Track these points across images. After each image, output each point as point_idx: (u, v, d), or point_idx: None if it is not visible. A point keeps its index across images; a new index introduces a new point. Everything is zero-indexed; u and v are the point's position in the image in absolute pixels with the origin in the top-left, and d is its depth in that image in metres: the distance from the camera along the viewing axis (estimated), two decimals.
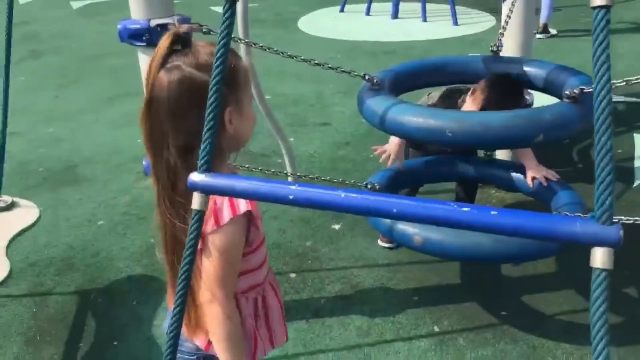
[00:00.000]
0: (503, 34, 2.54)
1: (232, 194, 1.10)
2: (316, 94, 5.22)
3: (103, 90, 5.55)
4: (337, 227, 3.15)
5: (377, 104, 2.07)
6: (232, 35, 1.05)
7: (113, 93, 5.46)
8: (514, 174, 2.54)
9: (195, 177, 1.06)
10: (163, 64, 1.20)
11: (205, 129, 1.05)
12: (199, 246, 1.17)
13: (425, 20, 7.48)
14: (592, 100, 1.83)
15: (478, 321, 2.45)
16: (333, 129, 4.44)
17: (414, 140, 2.20)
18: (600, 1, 0.88)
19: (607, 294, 0.88)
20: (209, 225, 1.21)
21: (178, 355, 1.31)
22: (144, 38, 1.95)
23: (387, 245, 2.91)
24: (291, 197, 1.01)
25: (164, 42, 1.22)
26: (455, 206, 0.92)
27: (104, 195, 3.59)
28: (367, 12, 8.00)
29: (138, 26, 1.95)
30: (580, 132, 1.96)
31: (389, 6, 7.85)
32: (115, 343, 2.41)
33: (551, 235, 0.88)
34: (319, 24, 7.75)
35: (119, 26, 2.01)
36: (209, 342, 1.35)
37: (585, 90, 1.89)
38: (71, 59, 6.68)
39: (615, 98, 4.69)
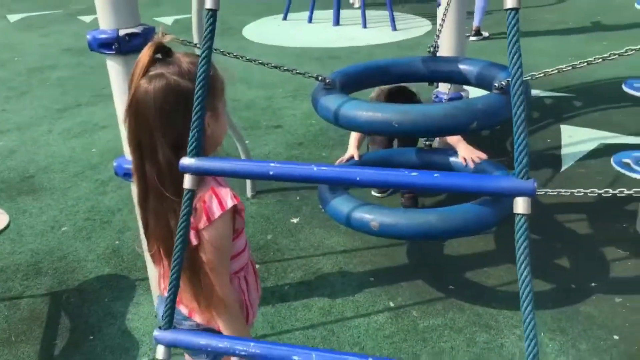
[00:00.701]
0: (439, 36, 2.81)
1: (221, 173, 1.29)
2: (266, 98, 5.42)
3: (52, 102, 5.56)
4: (295, 220, 3.36)
5: (330, 101, 2.29)
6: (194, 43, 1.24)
7: (63, 104, 5.49)
8: (452, 160, 2.81)
9: (186, 160, 1.25)
10: (146, 71, 1.31)
11: (193, 117, 1.23)
12: (196, 242, 1.36)
13: (365, 27, 7.79)
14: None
15: (428, 295, 2.71)
16: (285, 130, 4.64)
17: (365, 132, 2.42)
18: (511, 4, 1.13)
19: (527, 234, 1.12)
20: (201, 223, 1.35)
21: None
22: (113, 47, 2.10)
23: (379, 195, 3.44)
24: (271, 172, 1.21)
25: (147, 51, 1.31)
26: (406, 172, 1.15)
27: (64, 203, 3.67)
28: (310, 20, 8.26)
29: (107, 36, 2.09)
30: (507, 119, 2.23)
31: (330, 14, 8.13)
32: (91, 337, 2.53)
33: (482, 189, 1.12)
34: (263, 31, 7.95)
35: (88, 36, 2.14)
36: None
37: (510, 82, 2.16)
38: (15, 72, 6.63)
39: (544, 93, 5.10)
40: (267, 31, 7.97)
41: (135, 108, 1.32)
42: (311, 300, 2.70)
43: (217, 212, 1.36)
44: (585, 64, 2.12)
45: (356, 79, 2.55)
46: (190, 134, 1.26)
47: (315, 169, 1.19)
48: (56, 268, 3.02)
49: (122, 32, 2.10)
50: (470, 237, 3.07)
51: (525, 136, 1.12)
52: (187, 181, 1.26)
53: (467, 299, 2.67)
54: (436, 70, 2.73)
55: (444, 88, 3.46)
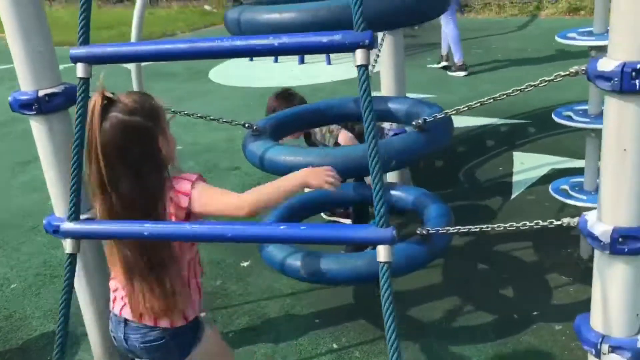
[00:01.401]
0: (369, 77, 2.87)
1: (103, 236, 1.31)
2: (227, 140, 5.45)
3: (13, 155, 5.57)
4: (245, 264, 3.35)
5: (256, 147, 2.33)
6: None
7: (23, 158, 5.49)
8: (392, 193, 2.84)
9: (66, 225, 1.27)
10: (103, 117, 1.52)
11: (71, 179, 1.25)
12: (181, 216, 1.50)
13: (329, 64, 7.92)
14: (436, 128, 2.20)
15: (372, 335, 2.70)
16: (243, 172, 4.66)
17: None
18: (360, 61, 1.17)
19: (390, 281, 1.14)
20: (183, 202, 1.51)
21: (147, 345, 1.71)
22: (33, 107, 2.12)
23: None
24: (146, 233, 1.23)
25: (97, 101, 1.53)
26: (273, 225, 1.17)
27: (16, 259, 3.64)
28: (275, 60, 8.38)
29: (27, 97, 2.12)
30: (427, 155, 2.28)
31: None
32: None
33: (345, 239, 1.14)
34: (229, 73, 8.05)
35: (9, 98, 2.18)
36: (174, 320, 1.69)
37: (427, 120, 2.21)
38: None
39: (500, 120, 5.19)
40: (233, 73, 8.08)
41: (96, 150, 1.50)
42: (255, 347, 2.68)
43: (188, 185, 1.56)
44: (505, 96, 2.15)
45: (285, 124, 2.60)
46: (70, 198, 1.28)
47: (188, 227, 1.21)
48: (1, 327, 2.98)
49: (41, 93, 2.13)
50: (417, 272, 3.06)
51: (382, 186, 1.15)
52: (69, 246, 1.28)
53: (410, 336, 2.66)
54: None
55: (387, 123, 3.52)
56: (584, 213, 1.94)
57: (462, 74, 6.86)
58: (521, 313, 2.73)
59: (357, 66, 1.15)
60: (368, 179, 2.83)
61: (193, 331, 1.77)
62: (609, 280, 1.87)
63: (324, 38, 1.11)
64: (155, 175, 1.57)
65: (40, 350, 2.79)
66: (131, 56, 1.28)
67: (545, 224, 2.08)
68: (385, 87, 3.44)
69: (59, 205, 2.29)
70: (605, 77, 1.65)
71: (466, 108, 2.23)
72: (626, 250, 1.77)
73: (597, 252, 1.90)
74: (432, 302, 2.88)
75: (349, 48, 1.11)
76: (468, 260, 3.19)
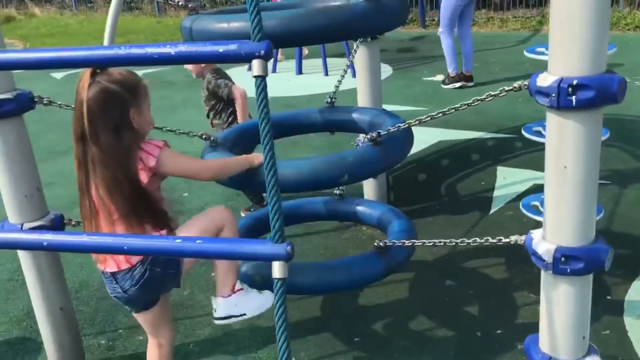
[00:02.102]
0: (338, 87, 2.86)
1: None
2: None
3: None
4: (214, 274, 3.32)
5: (209, 158, 2.31)
6: None
7: None
8: (359, 209, 2.81)
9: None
10: (92, 80, 1.79)
11: None
12: (146, 180, 1.85)
13: (327, 74, 7.91)
14: (392, 142, 2.16)
15: (332, 349, 2.66)
16: None
17: (239, 189, 2.41)
18: (257, 71, 1.15)
19: (284, 298, 1.11)
20: (150, 161, 1.86)
21: (140, 285, 1.85)
22: None
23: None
24: (45, 243, 1.21)
25: (86, 72, 1.80)
26: (172, 239, 1.15)
27: None
28: (274, 70, 8.39)
29: None
30: (382, 170, 2.25)
31: (294, 63, 8.27)
32: None
33: (240, 255, 1.11)
34: None
35: None
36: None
37: (381, 133, 2.18)
38: None
39: (487, 134, 5.14)
40: None
41: (80, 108, 1.81)
42: (213, 358, 2.65)
43: (156, 149, 1.89)
44: (454, 109, 2.12)
45: (245, 135, 2.58)
46: None
47: (86, 238, 1.19)
48: None
49: None
50: (384, 287, 3.03)
51: (277, 200, 1.13)
52: None
53: (371, 351, 2.62)
54: (332, 120, 2.76)
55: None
56: (531, 231, 1.90)
57: (456, 85, 6.81)
58: (484, 331, 2.68)
59: (254, 77, 1.12)
60: None
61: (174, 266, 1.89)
62: (554, 300, 1.83)
63: (220, 47, 1.09)
64: (129, 134, 1.83)
65: (2, 356, 2.77)
66: (23, 63, 1.26)
67: (494, 241, 2.05)
68: (361, 99, 3.42)
69: (12, 212, 2.28)
70: (543, 92, 1.62)
71: (429, 118, 2.20)
72: (568, 270, 1.74)
73: (542, 272, 1.86)
74: (395, 317, 2.84)
75: (245, 58, 1.09)
76: (436, 276, 3.15)
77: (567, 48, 1.57)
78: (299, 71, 8.16)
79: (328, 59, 8.13)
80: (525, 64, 7.75)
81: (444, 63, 8.22)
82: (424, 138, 5.09)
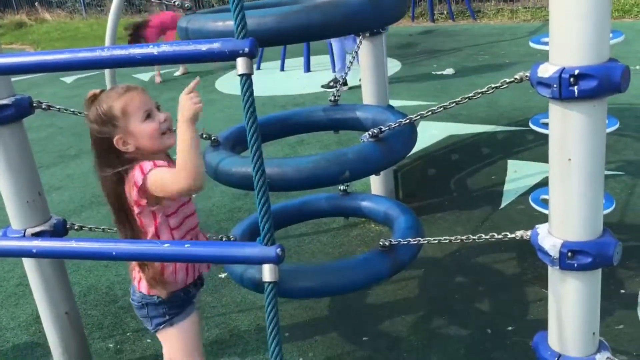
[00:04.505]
0: (341, 84, 2.82)
1: None
2: None
3: None
4: (223, 275, 3.31)
5: (212, 158, 2.29)
6: None
7: None
8: (364, 204, 2.77)
9: None
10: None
11: None
12: (138, 210, 1.69)
13: (335, 71, 7.86)
14: (394, 138, 2.12)
15: (340, 349, 2.63)
16: None
17: (240, 188, 2.39)
18: (242, 70, 1.12)
19: (275, 302, 1.08)
20: (139, 181, 1.68)
21: (133, 303, 1.88)
22: None
23: None
24: (34, 250, 1.19)
25: (87, 99, 1.81)
26: (159, 244, 1.12)
27: (0, 268, 3.67)
28: (282, 68, 8.37)
29: None
30: (384, 167, 2.21)
31: (302, 61, 8.24)
32: None
33: (230, 259, 1.08)
34: (235, 83, 8.05)
35: None
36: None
37: (382, 129, 2.14)
38: None
39: (498, 128, 5.07)
40: (238, 82, 8.07)
41: None
42: None
43: (140, 176, 1.70)
44: (454, 103, 2.08)
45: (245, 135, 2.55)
46: None
47: (75, 244, 1.17)
48: None
49: None
50: (394, 285, 3.00)
51: (266, 201, 1.10)
52: None
53: (380, 350, 2.58)
54: (336, 119, 2.72)
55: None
56: (537, 226, 1.86)
57: (344, 88, 6.67)
58: (495, 328, 2.63)
59: (239, 75, 1.09)
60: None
61: (165, 308, 1.86)
62: (562, 297, 1.78)
63: (203, 46, 1.07)
64: (115, 165, 1.75)
65: None
66: (7, 68, 1.24)
67: (499, 237, 2.00)
68: (366, 95, 3.38)
69: (14, 218, 2.28)
70: (544, 83, 1.57)
71: (430, 113, 2.16)
72: (576, 265, 1.69)
73: (549, 268, 1.81)
74: (405, 315, 2.80)
75: (229, 57, 1.07)
76: (446, 273, 3.10)
77: (567, 37, 1.52)
78: (307, 69, 8.13)
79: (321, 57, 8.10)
80: (536, 55, 7.63)
81: (454, 57, 8.17)
82: (434, 132, 5.03)
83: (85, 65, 1.20)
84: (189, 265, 1.81)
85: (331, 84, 7.16)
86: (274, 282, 1.06)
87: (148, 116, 1.77)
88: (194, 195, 1.97)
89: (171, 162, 1.84)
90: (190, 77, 8.60)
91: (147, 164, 1.71)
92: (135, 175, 1.71)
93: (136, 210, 1.72)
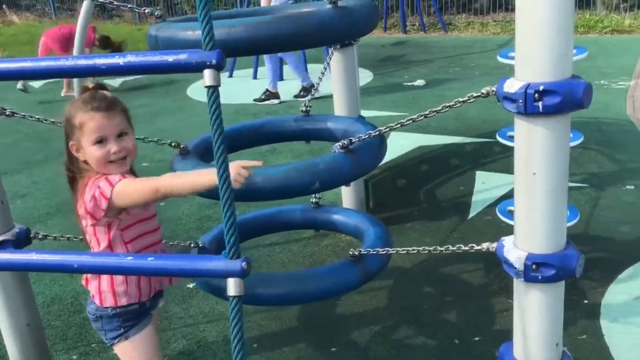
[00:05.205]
0: (313, 94, 2.83)
1: None
2: None
3: None
4: (191, 285, 3.27)
5: (181, 167, 2.27)
6: None
7: None
8: (336, 217, 2.78)
9: None
10: None
11: None
12: (92, 222, 1.71)
13: (303, 82, 7.88)
14: (364, 149, 2.12)
15: None
16: None
17: (208, 197, 2.38)
18: (209, 82, 1.11)
19: (240, 316, 1.07)
20: (102, 204, 1.68)
21: (89, 314, 1.89)
22: None
23: None
24: None
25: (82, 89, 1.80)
26: (122, 257, 1.10)
27: None
28: (254, 76, 8.35)
29: None
30: (354, 177, 2.22)
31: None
32: None
33: (194, 272, 1.08)
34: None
35: None
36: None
37: (353, 141, 2.15)
38: None
39: (467, 139, 5.14)
40: None
41: None
42: None
43: (108, 188, 1.70)
44: (423, 116, 2.10)
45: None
46: None
47: (35, 256, 1.15)
48: None
49: None
50: (363, 295, 3.00)
51: (232, 214, 1.09)
52: None
53: None
54: (307, 129, 2.73)
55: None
56: (502, 238, 1.89)
57: (275, 101, 7.06)
58: (462, 338, 2.66)
59: (206, 87, 1.09)
60: None
61: (119, 321, 1.83)
62: (527, 308, 1.81)
63: (170, 57, 1.06)
64: (70, 168, 1.81)
65: None
66: None
67: (466, 248, 2.03)
68: (337, 105, 3.39)
69: None
70: (510, 98, 1.60)
71: (399, 125, 2.18)
72: (540, 277, 1.72)
73: (515, 280, 1.84)
74: (374, 326, 2.80)
75: (196, 68, 1.06)
76: (415, 283, 3.12)
77: (532, 54, 1.55)
78: (280, 77, 8.13)
79: (309, 65, 8.12)
80: (505, 68, 7.78)
81: (425, 68, 8.28)
82: (404, 143, 5.08)
83: (49, 75, 1.18)
84: (145, 279, 1.77)
85: (302, 93, 7.19)
86: (239, 296, 1.05)
87: (100, 141, 1.74)
88: (161, 203, 1.95)
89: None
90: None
91: (107, 187, 1.69)
92: (102, 186, 1.69)
93: (90, 222, 1.72)
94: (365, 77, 8.04)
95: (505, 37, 9.97)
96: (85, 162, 1.77)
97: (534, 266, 1.70)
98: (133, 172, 1.89)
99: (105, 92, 1.78)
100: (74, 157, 1.79)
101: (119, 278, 1.71)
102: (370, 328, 2.79)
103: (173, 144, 2.35)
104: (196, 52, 1.03)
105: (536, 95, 1.54)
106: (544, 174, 1.63)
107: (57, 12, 16.35)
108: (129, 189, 1.68)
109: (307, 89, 7.05)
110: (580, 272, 1.73)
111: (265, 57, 7.23)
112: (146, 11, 2.21)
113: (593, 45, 8.35)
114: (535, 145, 1.62)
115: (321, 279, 2.24)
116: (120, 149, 1.74)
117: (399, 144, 5.04)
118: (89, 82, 1.78)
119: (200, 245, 2.50)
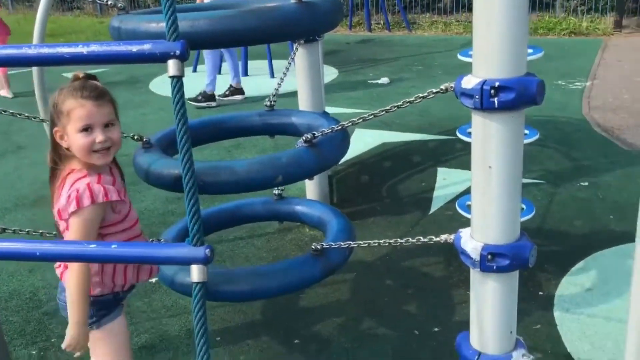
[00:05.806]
0: (277, 91, 2.85)
1: None
2: None
3: None
4: (154, 280, 3.25)
5: (143, 161, 2.27)
6: None
7: None
8: (298, 208, 2.81)
9: None
10: None
11: None
12: (64, 227, 1.67)
13: (273, 77, 7.89)
14: (327, 144, 2.14)
15: (272, 352, 2.64)
16: None
17: (172, 190, 2.38)
18: (173, 73, 1.13)
19: (203, 302, 1.09)
20: (71, 207, 1.63)
21: (60, 303, 1.88)
22: None
23: None
24: None
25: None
26: (85, 244, 1.11)
27: None
28: (219, 72, 8.30)
29: None
30: (317, 171, 2.25)
31: (239, 65, 8.20)
32: None
33: (156, 260, 1.09)
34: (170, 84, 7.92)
35: None
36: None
37: (316, 135, 2.18)
38: None
39: (429, 137, 5.23)
40: None
41: None
42: None
43: (87, 201, 1.65)
44: (384, 111, 2.14)
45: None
46: None
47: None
48: None
49: None
50: (325, 288, 3.04)
51: (196, 202, 1.11)
52: None
53: (310, 353, 2.62)
54: (271, 124, 2.75)
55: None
56: (460, 230, 1.94)
57: (212, 104, 6.84)
58: (422, 329, 2.72)
59: (170, 77, 1.10)
60: None
61: (92, 310, 1.80)
62: (482, 297, 1.87)
63: (134, 47, 1.07)
64: (53, 158, 1.82)
65: None
66: None
67: (425, 240, 2.08)
68: (302, 101, 3.42)
69: None
70: (467, 94, 1.66)
71: (361, 120, 2.21)
72: (495, 267, 1.78)
73: (471, 270, 1.90)
74: (336, 318, 2.85)
75: (160, 58, 1.07)
76: (377, 276, 3.18)
77: (489, 52, 1.61)
78: (245, 73, 8.11)
79: (275, 61, 8.12)
80: (467, 67, 7.92)
81: (389, 66, 8.37)
82: (368, 140, 5.14)
83: (11, 63, 1.17)
84: (121, 272, 1.77)
85: (226, 92, 7.04)
86: (202, 282, 1.07)
87: (86, 129, 1.74)
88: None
89: (116, 178, 1.84)
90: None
91: (85, 198, 1.66)
92: (80, 192, 1.67)
93: (61, 226, 1.72)
94: (330, 74, 8.08)
95: (468, 37, 10.13)
96: (68, 149, 1.77)
97: (489, 256, 1.76)
98: (116, 164, 1.90)
99: (95, 82, 1.79)
100: (57, 145, 1.79)
101: (94, 269, 1.70)
102: (333, 320, 2.83)
103: (135, 137, 2.34)
104: (160, 42, 1.05)
105: (492, 91, 1.60)
106: (499, 167, 1.69)
107: (15, 3, 15.92)
108: (85, 229, 1.59)
109: (211, 96, 6.83)
110: (533, 262, 1.80)
111: (205, 53, 6.99)
112: (109, 3, 2.19)
113: (552, 46, 8.60)
114: (491, 139, 1.68)
115: (283, 273, 2.26)
116: (106, 139, 1.74)
117: (363, 141, 5.10)
118: (80, 72, 1.78)
119: (162, 241, 2.50)
